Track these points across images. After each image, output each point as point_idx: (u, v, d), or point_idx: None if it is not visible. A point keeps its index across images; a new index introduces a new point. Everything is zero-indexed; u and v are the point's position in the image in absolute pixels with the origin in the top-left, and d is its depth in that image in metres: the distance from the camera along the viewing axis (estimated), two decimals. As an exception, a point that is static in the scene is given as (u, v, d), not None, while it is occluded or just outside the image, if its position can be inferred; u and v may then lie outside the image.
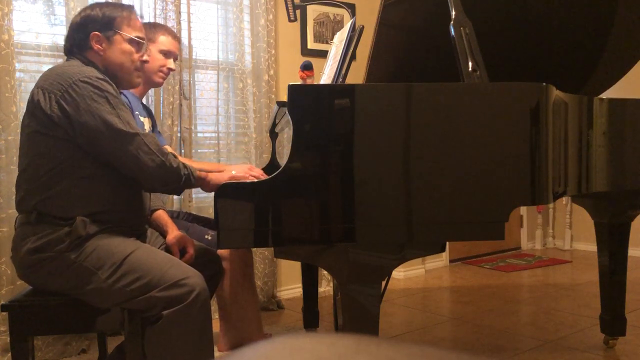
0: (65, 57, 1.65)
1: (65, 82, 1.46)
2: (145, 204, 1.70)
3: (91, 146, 1.48)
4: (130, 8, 1.68)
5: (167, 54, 2.11)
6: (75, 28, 1.61)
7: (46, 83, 1.49)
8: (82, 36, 1.59)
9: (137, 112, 2.06)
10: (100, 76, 1.51)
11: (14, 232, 1.56)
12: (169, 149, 2.22)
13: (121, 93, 1.94)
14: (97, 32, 1.58)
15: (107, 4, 1.64)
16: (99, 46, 1.59)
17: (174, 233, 1.81)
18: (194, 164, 1.72)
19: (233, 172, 1.65)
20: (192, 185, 1.59)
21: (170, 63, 2.13)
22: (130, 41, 1.63)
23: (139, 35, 1.65)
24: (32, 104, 1.49)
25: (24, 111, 1.56)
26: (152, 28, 2.11)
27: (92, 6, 1.62)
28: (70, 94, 1.45)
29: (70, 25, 1.63)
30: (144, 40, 1.67)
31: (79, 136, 1.46)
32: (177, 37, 2.18)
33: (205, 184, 1.60)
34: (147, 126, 2.12)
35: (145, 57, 1.68)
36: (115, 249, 1.49)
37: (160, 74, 2.12)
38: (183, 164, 1.56)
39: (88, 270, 1.47)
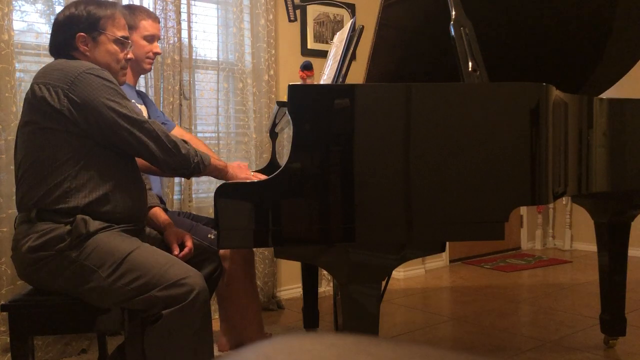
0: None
1: (70, 75, 1.48)
2: (145, 197, 1.71)
3: (103, 135, 1.50)
4: (114, 5, 1.67)
5: (150, 38, 2.10)
6: (60, 27, 1.60)
7: (48, 79, 1.49)
8: (67, 36, 1.59)
9: (132, 101, 2.06)
10: (101, 68, 1.54)
11: (14, 231, 1.56)
12: (181, 131, 2.25)
13: None
14: (82, 33, 1.58)
15: (91, 2, 1.62)
16: (84, 47, 1.60)
17: (171, 228, 1.81)
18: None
19: (251, 174, 1.75)
20: (203, 173, 1.64)
21: (156, 47, 2.13)
22: (116, 41, 1.63)
23: (123, 34, 1.65)
24: (35, 100, 1.49)
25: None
26: (132, 14, 2.09)
27: (76, 5, 1.61)
28: (77, 86, 1.47)
29: (54, 23, 1.62)
30: (128, 40, 1.67)
31: (91, 126, 1.49)
32: (157, 19, 2.17)
33: (223, 175, 1.68)
34: (144, 114, 2.12)
35: (130, 55, 1.69)
36: (116, 248, 1.49)
37: (148, 60, 2.12)
38: (195, 151, 1.60)
39: (89, 269, 1.47)
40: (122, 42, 1.65)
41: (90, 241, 1.48)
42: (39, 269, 1.49)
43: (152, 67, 2.23)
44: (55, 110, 1.47)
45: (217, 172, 1.67)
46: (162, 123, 2.25)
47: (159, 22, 2.18)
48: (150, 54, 2.11)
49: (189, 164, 1.58)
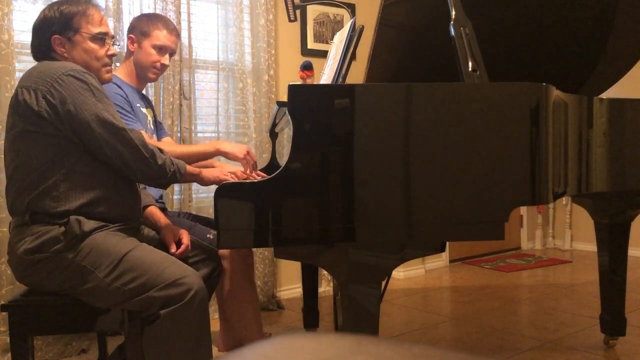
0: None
1: (50, 78, 1.46)
2: (138, 195, 1.70)
3: (80, 139, 1.48)
4: (88, 2, 1.63)
5: (161, 49, 2.05)
6: (36, 32, 1.59)
7: (30, 81, 1.48)
8: (43, 40, 1.57)
9: (137, 105, 2.04)
10: (84, 70, 1.51)
11: (9, 235, 1.55)
12: (169, 140, 2.23)
13: (118, 87, 1.95)
14: (57, 35, 1.57)
15: (64, 1, 1.60)
16: (61, 49, 1.58)
17: (167, 227, 1.81)
18: (189, 147, 1.81)
19: (226, 171, 1.74)
20: (180, 181, 1.64)
21: (165, 59, 2.07)
22: (92, 38, 1.60)
23: (100, 30, 1.61)
24: (17, 104, 1.48)
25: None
26: (149, 21, 2.06)
27: (50, 6, 1.59)
28: (56, 89, 1.45)
29: (32, 29, 1.60)
30: (106, 35, 1.63)
31: (69, 129, 1.46)
32: (174, 31, 2.10)
33: (199, 180, 1.69)
34: (149, 117, 2.11)
35: (112, 51, 1.65)
36: (113, 248, 1.48)
37: (154, 69, 2.06)
38: (170, 160, 1.58)
39: (86, 269, 1.46)
40: (100, 39, 1.61)
41: (86, 242, 1.47)
42: (36, 271, 1.49)
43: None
44: (35, 112, 1.45)
45: (193, 177, 1.67)
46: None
47: (176, 36, 2.11)
48: (157, 64, 2.05)
49: (164, 174, 1.55)
